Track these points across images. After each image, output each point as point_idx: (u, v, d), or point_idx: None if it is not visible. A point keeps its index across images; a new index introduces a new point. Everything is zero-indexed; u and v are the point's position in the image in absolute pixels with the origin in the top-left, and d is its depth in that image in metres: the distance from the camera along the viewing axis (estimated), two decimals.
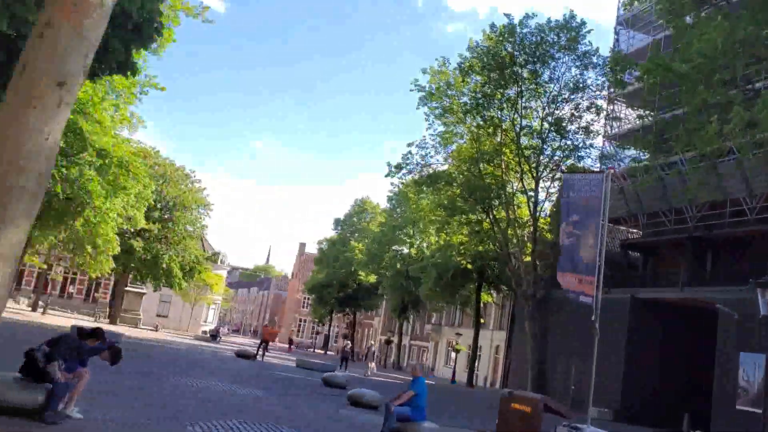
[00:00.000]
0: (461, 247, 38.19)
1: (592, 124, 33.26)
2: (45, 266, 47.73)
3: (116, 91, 31.66)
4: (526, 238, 35.50)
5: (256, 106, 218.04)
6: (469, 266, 38.28)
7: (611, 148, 35.56)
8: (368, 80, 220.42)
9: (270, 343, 55.81)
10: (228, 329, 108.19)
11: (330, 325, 78.90)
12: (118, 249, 36.42)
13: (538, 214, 34.20)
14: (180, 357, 24.47)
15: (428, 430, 10.17)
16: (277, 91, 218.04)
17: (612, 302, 30.24)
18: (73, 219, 32.90)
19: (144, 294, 54.90)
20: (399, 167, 35.70)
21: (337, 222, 69.08)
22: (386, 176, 35.92)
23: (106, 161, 30.52)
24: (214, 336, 49.83)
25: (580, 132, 33.58)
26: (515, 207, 35.09)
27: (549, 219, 36.64)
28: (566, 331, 32.35)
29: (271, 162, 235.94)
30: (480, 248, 36.65)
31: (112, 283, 61.57)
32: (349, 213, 68.61)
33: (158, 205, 48.91)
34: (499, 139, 33.84)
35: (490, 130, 33.83)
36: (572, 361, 30.97)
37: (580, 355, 30.64)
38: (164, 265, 47.75)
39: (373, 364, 33.16)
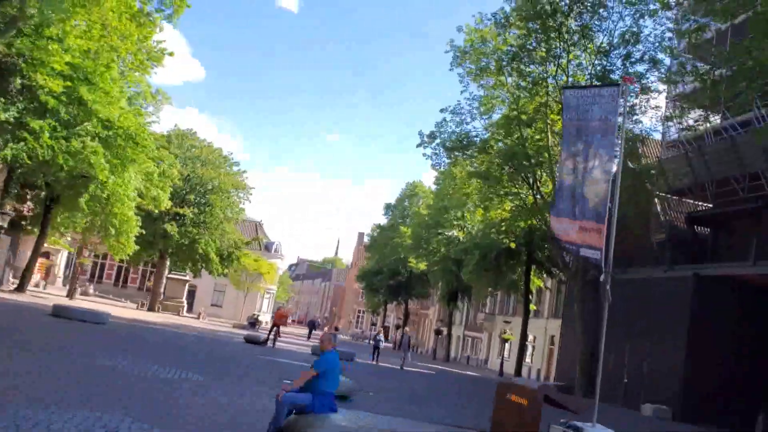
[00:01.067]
0: (503, 224, 34.44)
1: (647, 78, 28.76)
2: (73, 250, 46.91)
3: (122, 57, 29.73)
4: None
5: (325, 102, 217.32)
6: (513, 245, 34.44)
7: (674, 109, 31.06)
8: (432, 75, 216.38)
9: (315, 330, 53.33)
10: (290, 319, 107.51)
11: (384, 316, 76.03)
12: (137, 229, 34.59)
13: None
14: (172, 341, 22.08)
15: (333, 426, 7.01)
16: (345, 87, 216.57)
17: (672, 282, 26.04)
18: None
19: (186, 281, 53.36)
20: (432, 136, 32.40)
21: (387, 207, 66.04)
22: (418, 146, 32.70)
23: (111, 133, 28.60)
24: (253, 324, 47.77)
25: (636, 88, 29.28)
26: None
27: None
28: (622, 315, 28.29)
29: (343, 157, 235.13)
30: (522, 224, 32.85)
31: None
32: (400, 197, 65.48)
33: (196, 188, 47.30)
34: (541, 100, 29.97)
35: (532, 90, 29.97)
36: (627, 351, 26.98)
37: (637, 344, 26.62)
38: (200, 250, 45.98)
39: (408, 354, 29.80)
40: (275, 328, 27.85)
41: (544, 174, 30.69)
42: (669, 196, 31.32)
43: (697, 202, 30.90)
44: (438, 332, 55.38)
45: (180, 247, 46.62)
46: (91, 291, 60.47)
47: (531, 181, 30.70)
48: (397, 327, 68.90)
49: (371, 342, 31.92)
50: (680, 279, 25.25)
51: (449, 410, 14.77)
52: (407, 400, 15.17)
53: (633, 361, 26.42)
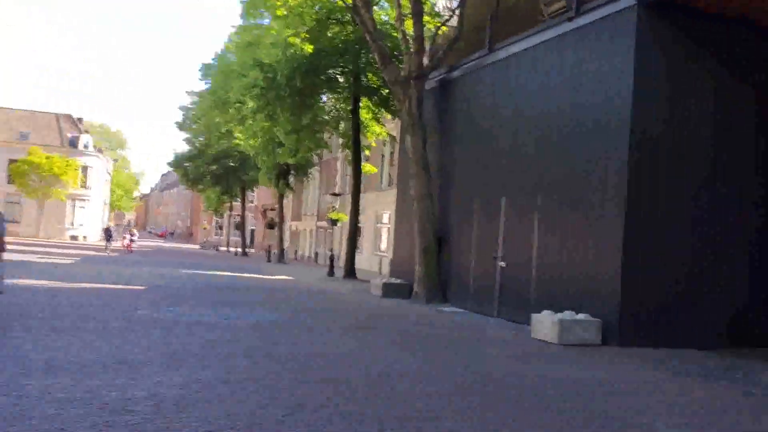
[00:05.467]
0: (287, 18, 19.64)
1: None
2: None
3: None
4: None
5: None
6: (311, 48, 19.57)
7: None
8: None
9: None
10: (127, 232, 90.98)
11: (230, 215, 60.49)
12: None
13: None
14: None
15: None
16: None
17: (594, 28, 12.14)
18: None
19: None
20: None
21: (207, 68, 48.84)
22: None
23: None
24: (109, 236, 36.13)
25: None
26: None
27: None
28: (485, 147, 14.42)
29: None
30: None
31: None
32: (221, 53, 48.20)
33: None
34: None
35: None
36: (501, 208, 13.45)
37: (514, 196, 13.06)
38: None
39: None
40: None
41: None
42: None
43: None
44: (271, 225, 41.13)
45: None
46: None
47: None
48: (236, 227, 53.90)
49: None
50: (608, 22, 11.29)
51: None
52: None
53: (514, 229, 12.84)
